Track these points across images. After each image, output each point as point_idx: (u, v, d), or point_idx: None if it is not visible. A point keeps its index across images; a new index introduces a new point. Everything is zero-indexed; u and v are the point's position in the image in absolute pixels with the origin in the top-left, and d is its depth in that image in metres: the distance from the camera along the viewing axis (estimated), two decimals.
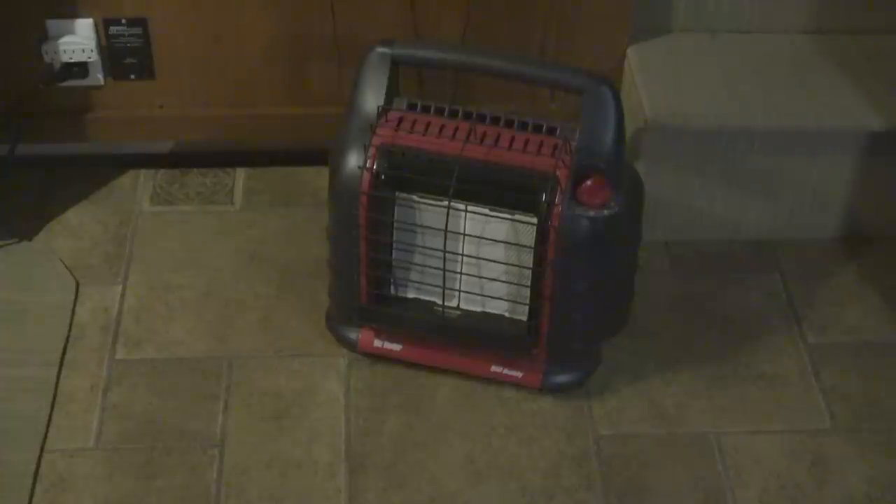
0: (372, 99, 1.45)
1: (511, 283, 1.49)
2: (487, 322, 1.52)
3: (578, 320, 1.50)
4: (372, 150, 1.43)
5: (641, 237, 1.55)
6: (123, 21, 1.70)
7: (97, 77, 1.74)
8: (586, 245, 1.42)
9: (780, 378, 1.58)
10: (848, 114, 1.67)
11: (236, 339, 1.60)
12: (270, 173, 1.84)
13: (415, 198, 1.47)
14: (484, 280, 1.50)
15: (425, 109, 1.47)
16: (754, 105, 1.68)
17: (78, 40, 1.69)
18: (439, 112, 1.47)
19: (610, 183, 1.41)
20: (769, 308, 1.67)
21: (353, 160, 1.44)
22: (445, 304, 1.52)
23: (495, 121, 1.46)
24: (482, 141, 1.43)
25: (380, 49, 1.45)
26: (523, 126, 1.45)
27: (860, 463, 1.48)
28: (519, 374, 1.54)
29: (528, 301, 1.48)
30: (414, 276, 1.53)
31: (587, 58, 1.71)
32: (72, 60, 1.71)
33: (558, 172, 1.40)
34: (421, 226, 1.49)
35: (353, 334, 1.57)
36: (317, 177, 1.80)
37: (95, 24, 1.69)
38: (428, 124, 1.45)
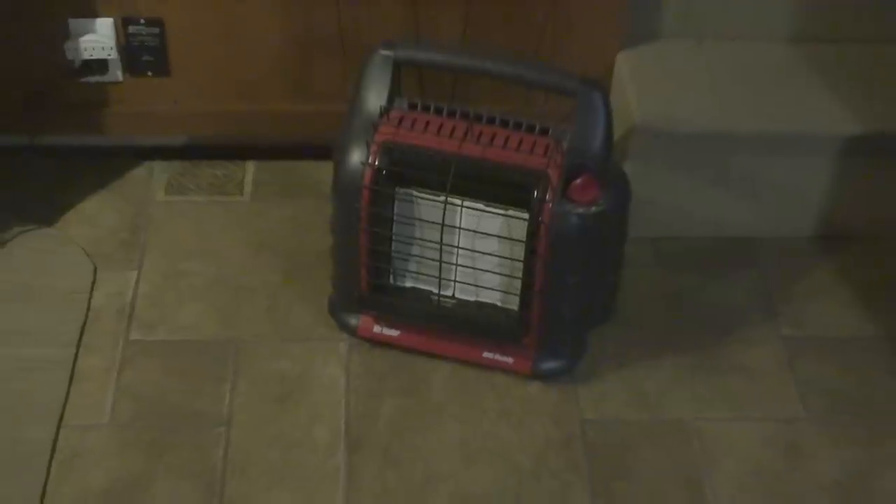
0: (374, 98, 1.45)
1: (503, 274, 1.49)
2: (481, 311, 1.52)
3: (567, 310, 1.50)
4: (374, 147, 1.43)
5: (628, 234, 1.55)
6: (142, 21, 1.69)
7: (116, 74, 1.74)
8: (575, 240, 1.42)
9: (757, 369, 1.57)
10: (827, 119, 1.67)
11: (243, 323, 1.60)
12: (278, 166, 1.84)
13: (414, 193, 1.47)
14: (478, 271, 1.50)
15: (425, 109, 1.47)
16: (738, 109, 1.67)
17: (98, 39, 1.69)
18: (438, 112, 1.46)
19: (599, 182, 1.41)
20: (748, 302, 1.67)
21: (356, 156, 1.44)
22: (441, 293, 1.52)
23: (491, 121, 1.45)
24: (479, 140, 1.43)
25: (383, 51, 1.44)
26: (518, 126, 1.45)
27: (832, 450, 1.48)
28: (510, 361, 1.54)
29: (519, 292, 1.48)
30: (412, 266, 1.53)
31: (580, 62, 1.70)
32: (92, 57, 1.70)
33: (550, 171, 1.40)
34: (419, 219, 1.49)
35: (353, 321, 1.57)
36: (321, 170, 1.79)
37: (115, 24, 1.69)
38: (427, 123, 1.45)
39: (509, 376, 1.54)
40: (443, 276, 1.50)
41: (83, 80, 1.73)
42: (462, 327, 1.53)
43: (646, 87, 1.69)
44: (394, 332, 1.56)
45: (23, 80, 1.74)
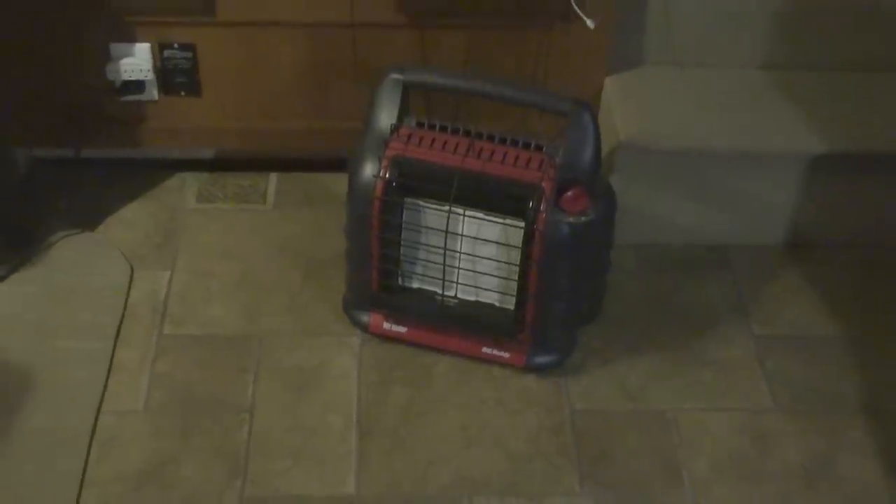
0: (386, 117, 1.45)
1: (501, 277, 1.49)
2: (480, 310, 1.52)
3: (558, 310, 1.50)
4: (385, 161, 1.43)
5: (614, 241, 1.55)
6: (176, 46, 1.69)
7: (152, 93, 1.74)
8: (566, 247, 1.42)
9: (729, 364, 1.57)
10: (793, 138, 1.66)
11: (265, 319, 1.60)
12: (298, 178, 1.84)
13: (420, 203, 1.47)
14: (478, 274, 1.50)
15: (431, 127, 1.47)
16: (714, 129, 1.67)
17: (136, 62, 1.69)
18: (443, 129, 1.47)
19: (588, 194, 1.41)
20: (722, 303, 1.66)
21: (368, 169, 1.44)
22: (445, 293, 1.52)
23: (491, 138, 1.46)
24: (479, 155, 1.43)
25: (393, 75, 1.45)
26: (515, 143, 1.45)
27: (797, 438, 1.48)
28: (506, 355, 1.54)
29: (515, 293, 1.48)
30: (418, 269, 1.53)
31: (571, 85, 1.71)
32: (131, 78, 1.70)
33: (544, 184, 1.40)
34: (425, 226, 1.49)
35: (365, 318, 1.57)
36: (337, 182, 1.79)
37: (152, 49, 1.69)
38: (433, 140, 1.45)
39: (506, 369, 1.54)
40: (446, 278, 1.50)
41: (123, 98, 1.73)
42: (463, 325, 1.53)
43: (631, 109, 1.69)
44: (402, 329, 1.56)
45: (69, 98, 1.74)
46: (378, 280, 1.52)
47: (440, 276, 1.50)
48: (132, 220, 1.75)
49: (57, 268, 1.64)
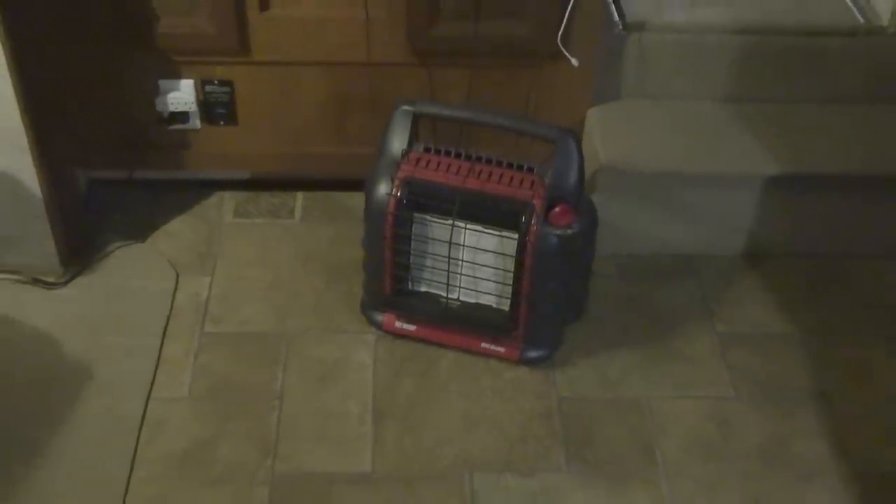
0: (398, 143, 1.46)
1: (498, 282, 1.49)
2: (479, 311, 1.52)
3: (547, 311, 1.50)
4: (397, 182, 1.44)
5: (595, 251, 1.55)
6: (216, 82, 1.70)
7: (195, 123, 1.74)
8: (554, 256, 1.42)
9: (696, 358, 1.57)
10: (752, 161, 1.67)
11: (293, 319, 1.60)
12: (321, 196, 1.84)
13: (427, 217, 1.48)
14: (477, 279, 1.51)
15: (437, 152, 1.47)
16: (683, 153, 1.68)
17: (182, 95, 1.70)
18: (447, 154, 1.47)
19: (573, 210, 1.41)
20: (689, 305, 1.66)
21: (382, 188, 1.45)
22: (448, 296, 1.52)
23: (489, 161, 1.46)
24: (479, 176, 1.44)
25: (404, 106, 1.46)
26: (509, 166, 1.45)
27: (757, 424, 1.48)
28: (502, 350, 1.54)
29: (510, 296, 1.48)
30: (425, 275, 1.53)
31: (558, 116, 1.71)
32: (177, 110, 1.71)
33: (534, 201, 1.41)
34: (432, 238, 1.49)
35: (379, 317, 1.57)
36: (355, 199, 1.79)
37: (195, 84, 1.70)
38: (439, 163, 1.46)
39: (502, 362, 1.55)
40: (450, 282, 1.50)
41: (170, 127, 1.74)
42: (464, 323, 1.53)
43: (610, 136, 1.70)
44: (411, 327, 1.56)
45: (123, 127, 1.75)
46: (391, 284, 1.52)
47: (445, 281, 1.50)
48: (177, 232, 1.75)
49: (112, 274, 1.65)
